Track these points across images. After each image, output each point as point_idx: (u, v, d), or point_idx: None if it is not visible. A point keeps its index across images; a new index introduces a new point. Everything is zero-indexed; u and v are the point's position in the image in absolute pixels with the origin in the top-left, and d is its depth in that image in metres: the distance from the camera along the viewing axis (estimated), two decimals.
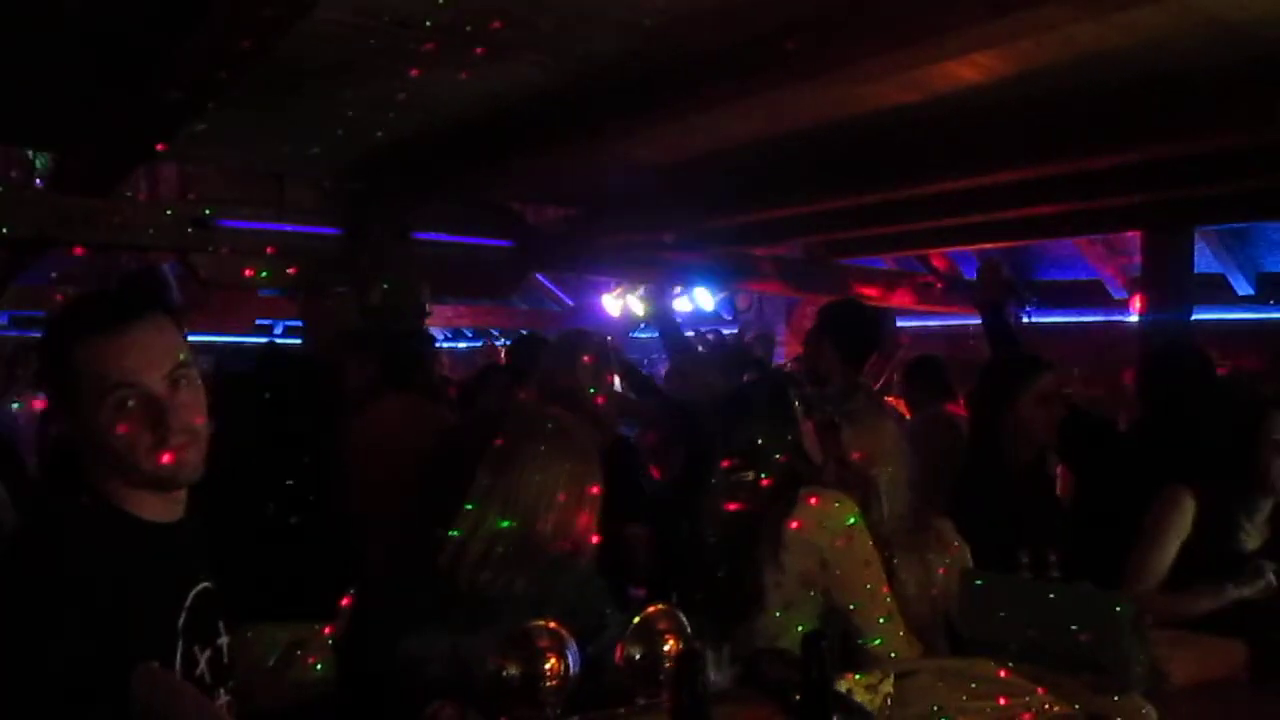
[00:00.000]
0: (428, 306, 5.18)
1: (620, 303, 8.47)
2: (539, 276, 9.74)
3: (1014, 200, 5.50)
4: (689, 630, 1.36)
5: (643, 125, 4.25)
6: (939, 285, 8.21)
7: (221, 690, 1.59)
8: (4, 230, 4.65)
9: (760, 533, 2.20)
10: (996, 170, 4.82)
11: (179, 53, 3.30)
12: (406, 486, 3.33)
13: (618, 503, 2.52)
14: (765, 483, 2.17)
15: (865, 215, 6.27)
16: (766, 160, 5.18)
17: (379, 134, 4.72)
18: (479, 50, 3.60)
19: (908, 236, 7.25)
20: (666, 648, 1.36)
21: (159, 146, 4.28)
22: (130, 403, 1.45)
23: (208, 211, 5.17)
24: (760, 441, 2.15)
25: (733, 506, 2.12)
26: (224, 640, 1.60)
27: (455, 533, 1.83)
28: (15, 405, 5.47)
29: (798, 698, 1.28)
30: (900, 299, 8.20)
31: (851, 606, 2.19)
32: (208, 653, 1.55)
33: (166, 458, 1.47)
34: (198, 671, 1.52)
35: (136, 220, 5.00)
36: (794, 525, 2.11)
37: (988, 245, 7.74)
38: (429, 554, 1.81)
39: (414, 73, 3.79)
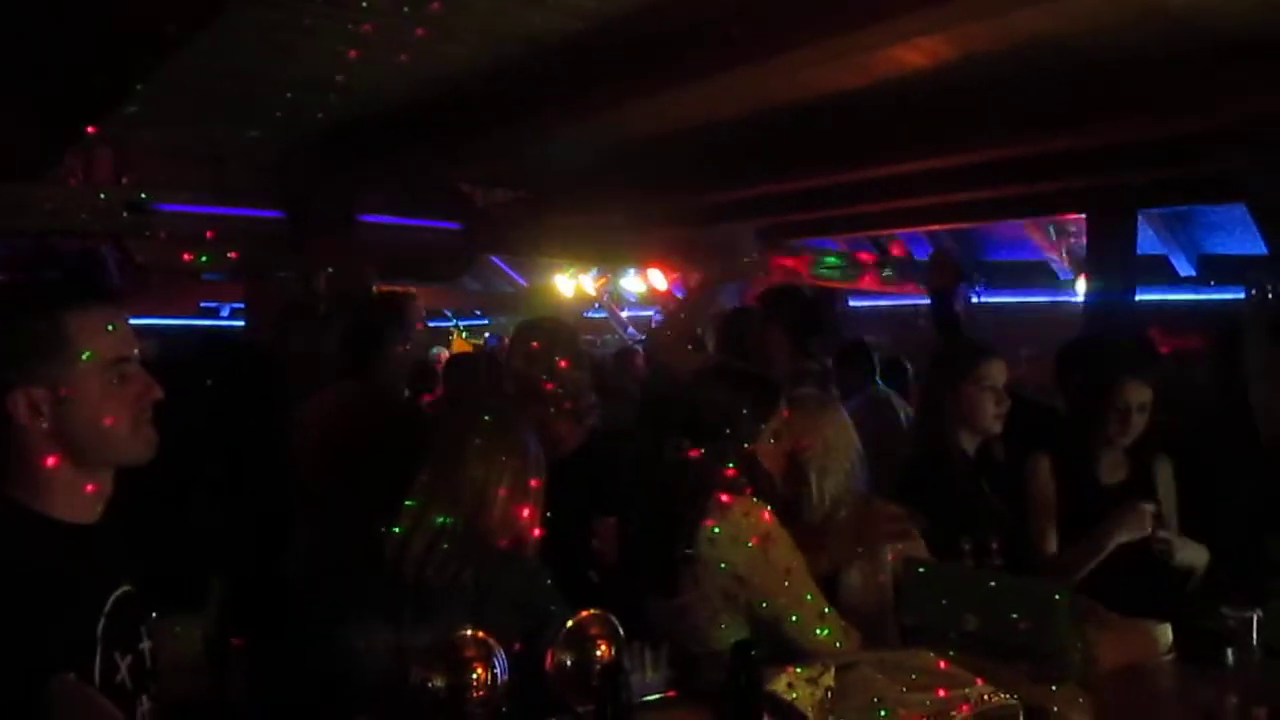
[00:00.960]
0: (374, 289, 5.09)
1: (574, 283, 8.43)
2: (493, 258, 9.66)
3: (961, 183, 5.53)
4: (622, 635, 1.33)
5: (585, 108, 4.21)
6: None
7: (144, 697, 1.55)
8: None
9: (684, 514, 2.13)
10: (943, 153, 4.84)
11: (106, 36, 3.21)
12: (351, 477, 3.28)
13: (596, 497, 2.48)
14: (694, 453, 2.10)
15: (814, 198, 6.30)
16: (714, 143, 5.16)
17: (319, 115, 4.63)
18: (419, 31, 3.54)
19: (859, 219, 7.29)
20: (598, 653, 1.33)
21: (89, 129, 4.17)
22: (126, 376, 1.44)
23: (143, 195, 5.04)
24: (727, 430, 2.09)
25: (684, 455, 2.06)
26: (145, 645, 1.55)
27: (398, 529, 1.80)
28: None
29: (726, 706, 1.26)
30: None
31: (778, 616, 2.11)
32: (129, 659, 1.50)
33: (146, 433, 1.46)
34: (118, 678, 1.47)
35: (70, 205, 4.87)
36: (709, 523, 2.05)
37: (935, 227, 7.81)
38: (374, 547, 1.78)
39: (352, 54, 3.72)
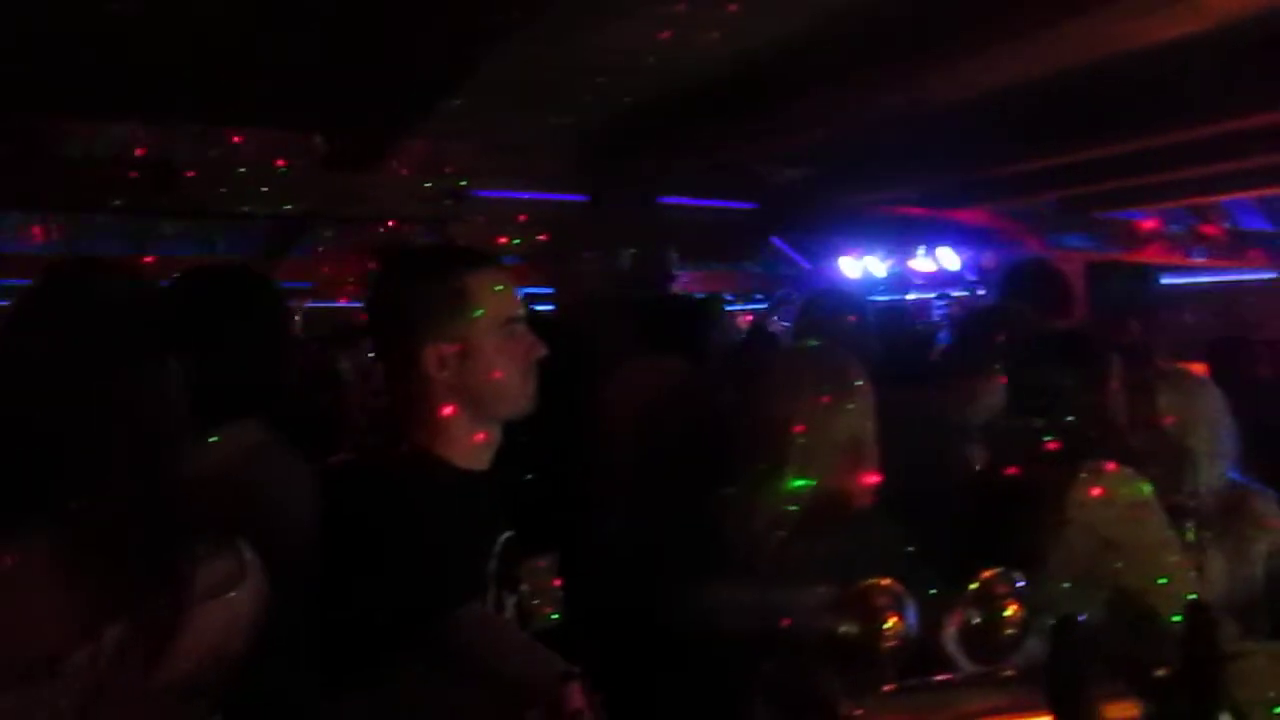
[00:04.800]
0: (675, 271, 5.19)
1: (860, 264, 8.25)
2: (774, 239, 9.62)
3: None
4: (1028, 596, 1.27)
5: (888, 76, 4.08)
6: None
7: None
8: (286, 207, 4.99)
9: (1041, 502, 2.05)
10: None
11: (435, 31, 3.42)
12: (665, 453, 3.35)
13: None
14: (1052, 446, 2.01)
15: (1125, 164, 5.82)
16: (1017, 108, 4.87)
17: (626, 99, 4.75)
18: (731, 8, 3.55)
19: (1173, 186, 6.68)
20: (1007, 614, 1.27)
21: (420, 123, 4.48)
22: (515, 334, 1.56)
23: (463, 183, 5.37)
24: (1057, 398, 1.99)
25: (1010, 471, 1.98)
26: (525, 588, 1.64)
27: (750, 498, 1.79)
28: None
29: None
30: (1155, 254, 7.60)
31: (1147, 589, 2.00)
32: (513, 599, 1.59)
33: (529, 388, 1.57)
34: (506, 616, 1.57)
35: (400, 194, 5.27)
36: (1094, 493, 1.95)
37: (1268, 191, 7.03)
38: (712, 513, 1.79)
39: (665, 35, 3.78)
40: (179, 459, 1.34)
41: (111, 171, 4.65)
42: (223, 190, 4.82)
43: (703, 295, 4.27)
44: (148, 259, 6.32)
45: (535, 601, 2.01)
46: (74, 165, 4.64)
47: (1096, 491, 1.94)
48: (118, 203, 4.71)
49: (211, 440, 1.76)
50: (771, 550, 1.74)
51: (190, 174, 4.67)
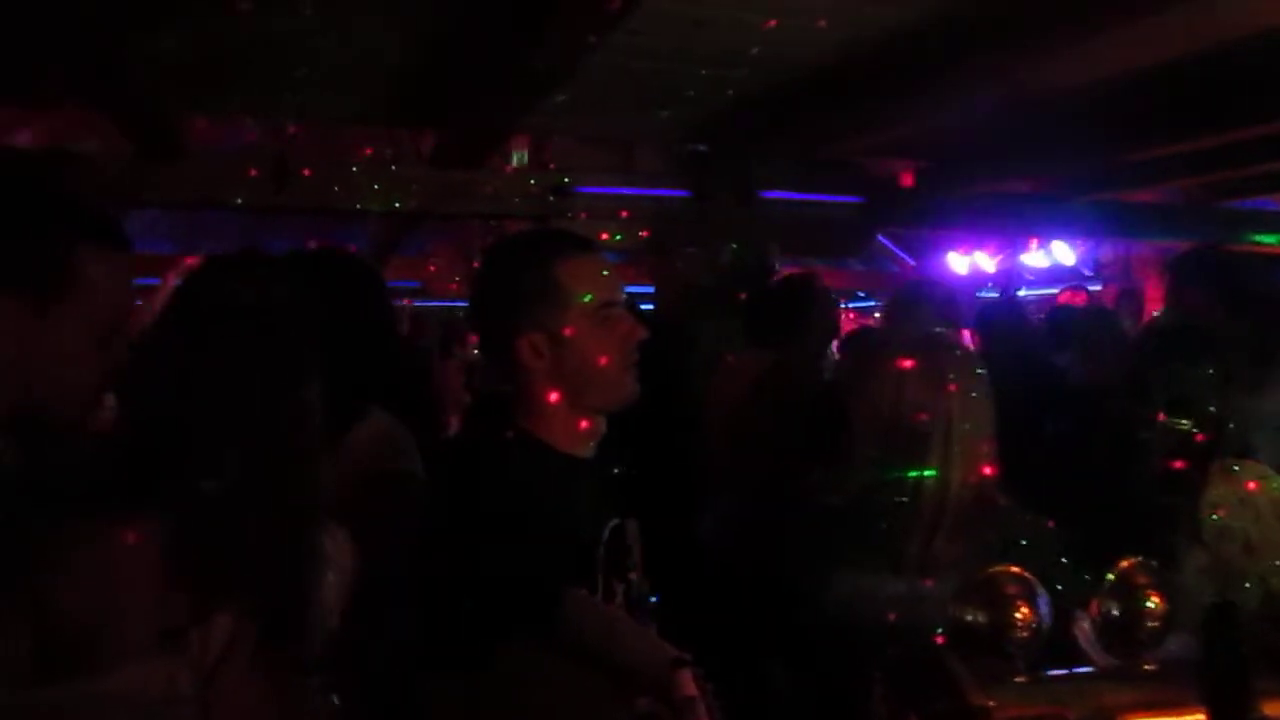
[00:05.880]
0: (776, 267, 5.13)
1: (967, 261, 8.05)
2: (878, 236, 9.47)
3: None
4: (1172, 587, 1.20)
5: (1000, 63, 3.95)
6: None
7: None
8: (395, 204, 5.09)
9: (1180, 498, 1.95)
10: None
11: (549, 20, 3.42)
12: (764, 446, 3.30)
13: None
14: (1199, 438, 1.91)
15: (1258, 150, 5.54)
16: (1140, 94, 4.67)
17: (728, 91, 4.71)
18: None
19: None
20: (1148, 605, 1.20)
21: (526, 118, 4.51)
22: (612, 319, 1.53)
23: (566, 179, 5.39)
24: (1196, 390, 1.89)
25: (1177, 464, 1.88)
26: (636, 576, 1.62)
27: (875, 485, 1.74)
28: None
29: None
30: None
31: None
32: (623, 586, 1.57)
33: (631, 376, 1.54)
34: (616, 602, 1.55)
35: (505, 190, 5.32)
36: (1239, 488, 1.86)
37: None
38: (837, 501, 1.74)
39: (770, 23, 3.73)
40: (314, 446, 1.36)
41: (232, 169, 4.81)
42: (336, 188, 4.94)
43: (799, 273, 4.18)
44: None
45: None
46: (196, 163, 4.80)
47: (1242, 486, 1.85)
48: (238, 200, 4.85)
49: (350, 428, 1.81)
50: (912, 543, 1.68)
51: (306, 172, 4.79)
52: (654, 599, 1.69)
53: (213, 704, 1.24)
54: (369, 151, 5.17)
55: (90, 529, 1.19)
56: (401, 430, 1.95)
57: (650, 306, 5.48)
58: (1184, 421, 1.86)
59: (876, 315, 10.00)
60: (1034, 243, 7.58)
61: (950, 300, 3.81)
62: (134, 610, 1.20)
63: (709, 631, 2.15)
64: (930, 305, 3.63)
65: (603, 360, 1.56)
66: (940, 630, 1.19)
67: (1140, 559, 1.22)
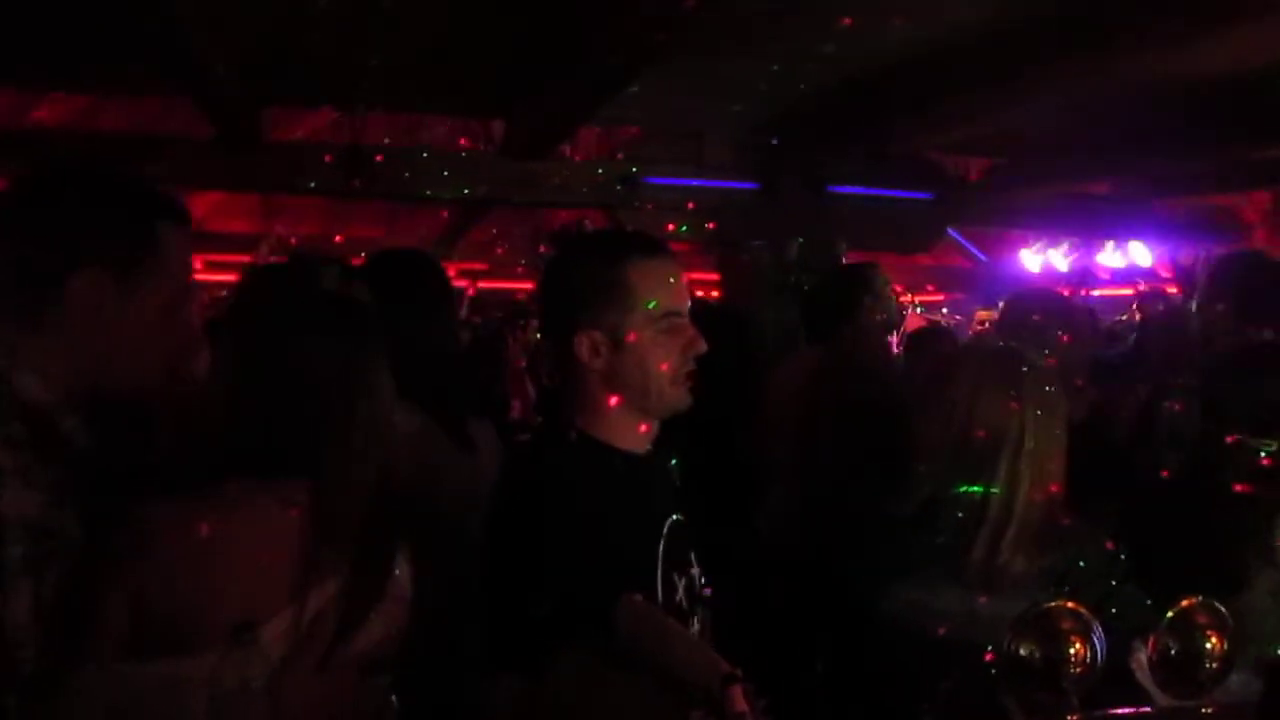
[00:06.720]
0: (844, 261, 5.09)
1: (1040, 258, 7.91)
2: (950, 231, 9.32)
3: None
4: (1232, 628, 1.18)
5: (1077, 61, 3.87)
6: None
7: (695, 618, 1.63)
8: (465, 191, 5.15)
9: (1249, 523, 1.90)
10: None
11: (621, 20, 3.43)
12: (818, 443, 3.28)
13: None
14: (1266, 461, 1.86)
15: None
16: (1219, 96, 4.54)
17: (801, 86, 4.68)
18: None
19: None
20: (1208, 645, 1.18)
21: (596, 111, 4.53)
22: (674, 328, 1.54)
23: (634, 170, 5.40)
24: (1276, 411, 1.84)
25: (1240, 488, 1.83)
26: (695, 570, 1.63)
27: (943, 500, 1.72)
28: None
29: None
30: None
31: None
32: (684, 581, 1.58)
33: (684, 385, 1.54)
34: (676, 598, 1.55)
35: (573, 180, 5.36)
36: None
37: None
38: (903, 513, 1.73)
39: (846, 21, 3.69)
40: (390, 439, 1.42)
41: (308, 156, 4.91)
42: (407, 175, 5.01)
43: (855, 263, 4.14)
44: (338, 238, 6.68)
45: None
46: (273, 150, 4.91)
47: None
48: (313, 185, 4.95)
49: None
50: (974, 559, 1.66)
51: (379, 158, 4.87)
52: (709, 591, 1.69)
53: (280, 699, 1.29)
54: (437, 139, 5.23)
55: (184, 513, 1.25)
56: (433, 427, 2.02)
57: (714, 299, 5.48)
58: (1269, 441, 1.81)
59: (944, 311, 9.86)
60: (1109, 243, 7.41)
61: (1066, 310, 3.69)
62: (227, 597, 1.26)
63: (760, 625, 2.16)
64: (1043, 317, 3.51)
65: (660, 368, 1.56)
66: (990, 648, 1.18)
67: (1201, 599, 1.20)
